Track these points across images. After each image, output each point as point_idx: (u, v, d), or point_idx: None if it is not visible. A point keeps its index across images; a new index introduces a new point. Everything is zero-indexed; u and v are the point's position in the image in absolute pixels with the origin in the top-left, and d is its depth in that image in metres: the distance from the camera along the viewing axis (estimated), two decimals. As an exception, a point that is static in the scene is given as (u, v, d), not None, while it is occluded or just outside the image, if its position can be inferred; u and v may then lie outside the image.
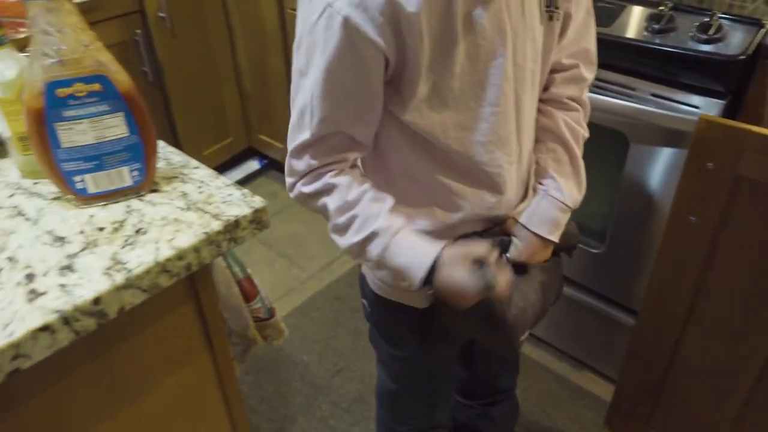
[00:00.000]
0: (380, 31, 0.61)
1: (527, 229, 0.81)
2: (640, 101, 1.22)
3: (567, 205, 0.84)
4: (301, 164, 0.71)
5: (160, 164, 0.70)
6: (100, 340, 0.60)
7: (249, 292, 0.89)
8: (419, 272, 0.71)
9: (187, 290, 0.68)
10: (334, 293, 1.93)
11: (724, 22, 1.11)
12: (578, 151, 0.88)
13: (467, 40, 0.66)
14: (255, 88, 2.33)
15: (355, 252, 0.73)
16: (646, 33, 1.17)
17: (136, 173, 0.63)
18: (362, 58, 0.63)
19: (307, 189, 0.73)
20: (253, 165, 2.54)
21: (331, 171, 0.72)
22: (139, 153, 0.63)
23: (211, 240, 0.60)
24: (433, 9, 0.62)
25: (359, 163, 0.79)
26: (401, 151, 0.74)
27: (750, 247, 1.04)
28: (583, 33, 0.84)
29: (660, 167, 1.24)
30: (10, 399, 0.56)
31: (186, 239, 0.58)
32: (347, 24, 0.61)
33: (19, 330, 0.49)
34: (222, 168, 2.49)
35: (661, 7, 1.17)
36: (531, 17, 0.72)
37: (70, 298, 0.52)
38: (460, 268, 0.70)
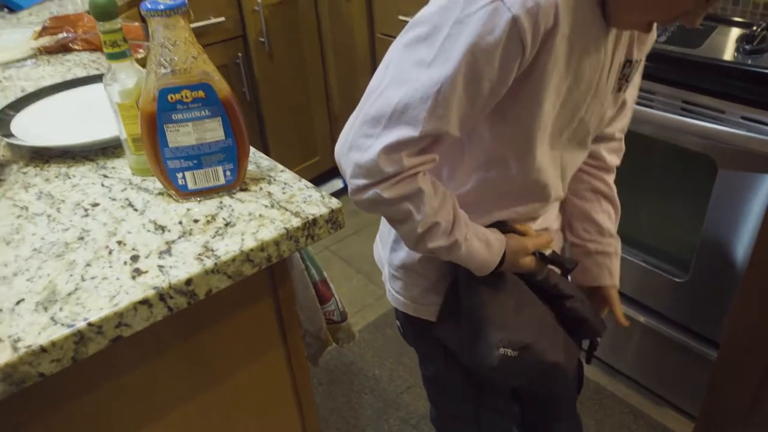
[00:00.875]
0: (533, 41, 0.63)
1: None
2: (730, 125, 1.18)
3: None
4: (392, 166, 0.67)
5: (251, 167, 0.76)
6: (189, 322, 0.67)
7: (324, 294, 0.94)
8: (495, 260, 0.79)
9: (267, 285, 0.73)
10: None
11: (823, 43, 1.07)
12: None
13: (568, 83, 0.70)
14: (343, 110, 2.43)
15: (429, 253, 0.76)
16: (737, 54, 1.14)
17: (229, 173, 0.70)
18: (512, 61, 0.63)
19: (391, 193, 0.69)
20: (337, 184, 2.64)
21: (419, 173, 0.70)
22: (233, 155, 0.70)
23: (290, 235, 0.65)
24: (566, 44, 0.67)
25: None
26: (476, 158, 0.77)
27: None
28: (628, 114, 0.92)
29: (749, 194, 1.19)
30: (112, 368, 0.63)
31: (268, 233, 0.64)
32: (515, 23, 0.61)
33: (123, 302, 0.56)
34: (308, 185, 2.60)
35: (754, 27, 1.14)
36: (609, 83, 0.77)
37: (167, 277, 0.58)
38: (520, 239, 0.81)
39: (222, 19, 2.06)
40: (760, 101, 1.14)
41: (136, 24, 1.40)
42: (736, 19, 1.21)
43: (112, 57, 0.70)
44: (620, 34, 0.74)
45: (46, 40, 1.25)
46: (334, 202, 0.70)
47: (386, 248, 0.94)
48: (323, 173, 2.61)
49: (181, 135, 0.67)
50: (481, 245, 0.77)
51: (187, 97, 0.65)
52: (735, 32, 1.17)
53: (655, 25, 0.73)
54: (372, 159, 0.66)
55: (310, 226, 0.67)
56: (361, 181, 0.69)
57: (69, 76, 1.13)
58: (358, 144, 0.68)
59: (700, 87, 1.21)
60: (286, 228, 0.65)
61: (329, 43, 2.33)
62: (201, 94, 0.65)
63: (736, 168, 1.20)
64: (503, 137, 0.74)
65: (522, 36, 0.62)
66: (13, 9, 1.62)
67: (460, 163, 0.79)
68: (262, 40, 2.17)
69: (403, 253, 0.88)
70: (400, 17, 1.93)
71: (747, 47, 1.12)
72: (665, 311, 1.46)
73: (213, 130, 0.67)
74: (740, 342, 1.16)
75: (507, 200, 0.82)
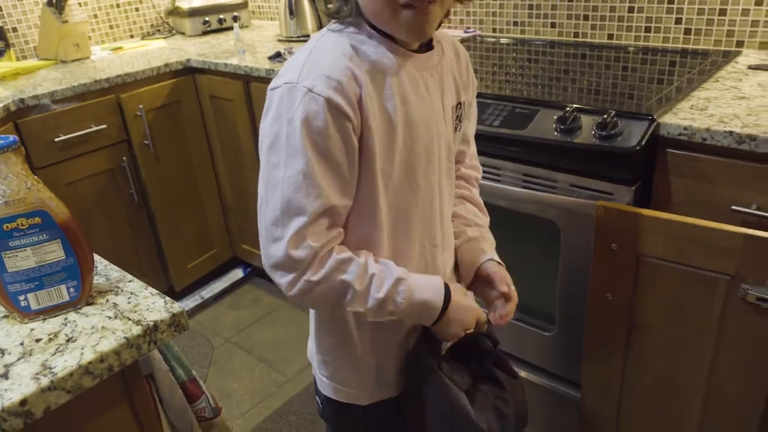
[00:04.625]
0: (351, 106, 0.76)
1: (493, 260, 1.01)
2: (563, 192, 1.34)
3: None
4: (303, 252, 0.76)
5: (100, 280, 0.80)
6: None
7: (193, 392, 0.96)
8: (440, 300, 0.86)
9: (121, 391, 0.76)
10: (311, 394, 1.97)
11: (620, 119, 1.25)
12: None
13: (403, 129, 0.83)
14: (235, 201, 2.49)
15: (378, 307, 0.83)
16: (556, 133, 1.32)
17: (72, 290, 0.74)
18: (344, 131, 0.76)
19: (317, 276, 0.78)
20: (237, 273, 2.66)
21: (332, 248, 0.80)
22: (75, 272, 0.74)
23: (131, 343, 0.69)
24: (378, 100, 0.79)
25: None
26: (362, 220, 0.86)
27: (661, 320, 1.12)
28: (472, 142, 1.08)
29: (588, 250, 1.34)
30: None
31: (108, 344, 0.68)
32: (330, 103, 0.75)
33: (-47, 430, 0.57)
34: (208, 278, 2.61)
35: (567, 109, 1.32)
36: (449, 124, 0.92)
37: (1, 401, 0.61)
38: (465, 297, 0.91)
39: (104, 126, 2.09)
40: (582, 170, 1.31)
41: None
42: (552, 100, 1.40)
43: (-50, 191, 0.74)
44: (443, 83, 0.89)
45: None
46: (176, 307, 0.74)
47: (313, 339, 1.02)
48: (222, 264, 2.63)
49: (20, 259, 0.70)
50: (424, 279, 0.86)
51: (23, 224, 0.69)
52: (551, 113, 1.35)
53: (470, 69, 0.96)
54: (284, 255, 0.77)
55: (152, 332, 0.71)
56: (287, 278, 0.79)
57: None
58: (269, 252, 0.79)
59: (534, 161, 1.37)
60: (126, 337, 0.69)
61: (216, 140, 2.41)
62: (37, 220, 0.70)
63: (573, 229, 1.35)
64: (359, 189, 0.83)
65: (340, 108, 0.75)
66: None
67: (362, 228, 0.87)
68: (146, 142, 2.22)
69: (330, 338, 0.96)
70: (278, 113, 2.05)
71: (562, 127, 1.30)
72: (541, 363, 1.57)
73: (53, 252, 0.72)
74: (595, 385, 1.28)
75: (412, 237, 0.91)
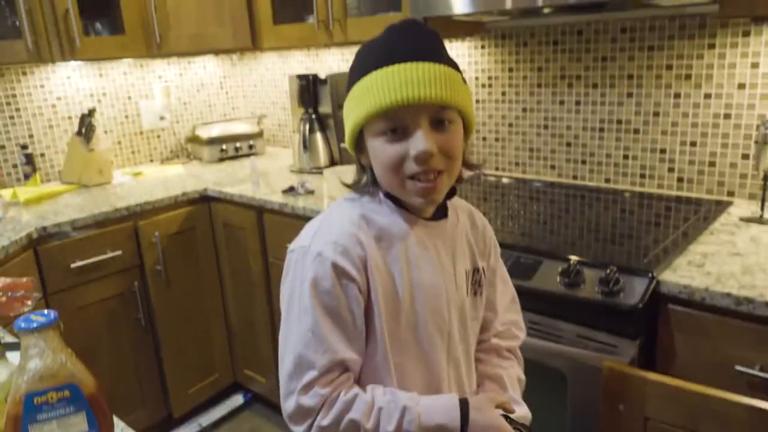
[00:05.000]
0: (357, 271, 0.82)
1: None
2: (569, 342, 1.37)
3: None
4: (313, 399, 0.82)
5: (118, 446, 0.82)
6: None
7: None
8: (456, 420, 0.84)
9: None
10: None
11: (621, 275, 1.30)
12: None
13: (408, 291, 0.87)
14: (241, 328, 2.51)
15: None
16: (561, 286, 1.37)
17: (92, 460, 0.75)
18: (349, 291, 0.83)
19: (328, 420, 0.82)
20: (237, 399, 2.62)
21: (341, 390, 0.84)
22: (97, 443, 0.75)
23: None
24: (384, 264, 0.85)
25: None
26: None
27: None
28: (511, 309, 1.09)
29: (595, 400, 1.34)
30: None
31: None
32: (336, 267, 0.82)
33: None
34: (207, 404, 2.56)
35: (571, 262, 1.38)
36: (460, 289, 0.94)
37: None
38: (492, 409, 0.87)
39: (119, 252, 2.16)
40: (587, 322, 1.34)
41: (26, 279, 1.47)
42: (556, 252, 1.46)
43: (-14, 360, 0.78)
44: (455, 249, 0.94)
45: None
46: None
47: None
48: (223, 389, 2.59)
49: (45, 432, 0.72)
50: (435, 401, 0.85)
51: (52, 398, 0.72)
52: (555, 265, 1.41)
53: (490, 236, 1.02)
54: (296, 405, 0.84)
55: None
56: (303, 426, 0.84)
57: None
58: (285, 405, 0.86)
59: (540, 310, 1.41)
60: None
61: (226, 267, 2.47)
62: (66, 393, 0.73)
63: (580, 378, 1.36)
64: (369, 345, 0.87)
65: (345, 270, 0.83)
66: None
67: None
68: (159, 268, 2.27)
69: None
70: (287, 245, 2.12)
71: (566, 280, 1.35)
72: None
73: (77, 424, 0.74)
74: None
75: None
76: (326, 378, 0.83)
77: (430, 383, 0.93)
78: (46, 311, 0.73)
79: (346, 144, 0.89)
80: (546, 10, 1.73)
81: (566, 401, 1.40)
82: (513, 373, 1.05)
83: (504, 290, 1.08)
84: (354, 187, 0.94)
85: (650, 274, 1.28)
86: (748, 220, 1.59)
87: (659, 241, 1.48)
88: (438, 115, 0.82)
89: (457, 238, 0.96)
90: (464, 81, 0.86)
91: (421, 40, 0.82)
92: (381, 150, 0.83)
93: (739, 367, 1.16)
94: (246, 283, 2.39)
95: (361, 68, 0.83)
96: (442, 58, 0.82)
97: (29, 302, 1.44)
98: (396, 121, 0.81)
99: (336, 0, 2.16)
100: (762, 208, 1.60)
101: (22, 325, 0.71)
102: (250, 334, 2.45)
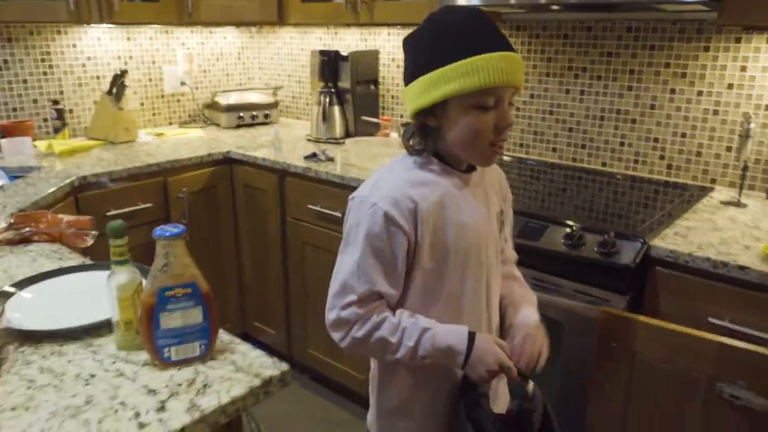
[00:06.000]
0: (406, 222, 1.01)
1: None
2: (567, 296, 1.58)
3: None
4: (350, 314, 1.02)
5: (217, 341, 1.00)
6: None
7: (262, 446, 1.13)
8: (464, 343, 1.03)
9: (224, 436, 0.94)
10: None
11: (618, 240, 1.52)
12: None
13: (455, 231, 1.06)
14: (255, 283, 2.68)
15: (411, 353, 1.03)
16: (564, 247, 1.57)
17: (203, 347, 0.94)
18: (394, 237, 1.01)
19: (361, 333, 1.03)
20: (247, 350, 2.79)
21: (374, 312, 1.03)
22: (207, 333, 0.94)
23: (253, 392, 0.89)
24: (436, 211, 1.04)
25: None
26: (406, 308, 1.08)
27: (651, 409, 1.33)
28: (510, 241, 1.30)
29: (586, 346, 1.56)
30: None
31: (237, 391, 0.87)
32: (387, 215, 1.00)
33: (135, 447, 0.76)
34: (219, 353, 2.73)
35: (573, 227, 1.58)
36: (493, 226, 1.15)
37: (165, 428, 0.79)
38: (492, 344, 1.05)
39: (149, 204, 2.33)
40: (584, 279, 1.55)
41: (87, 218, 1.63)
42: (560, 219, 1.67)
43: (118, 263, 0.95)
44: (488, 194, 1.13)
45: (9, 235, 1.45)
46: (284, 366, 0.94)
47: (374, 408, 1.20)
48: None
49: (171, 320, 0.91)
50: (449, 328, 1.04)
51: (178, 293, 0.90)
52: (560, 229, 1.61)
53: (506, 183, 1.22)
54: (336, 317, 1.04)
55: (267, 384, 0.91)
56: (339, 335, 1.05)
57: (35, 265, 1.33)
58: (328, 317, 1.06)
59: (544, 268, 1.62)
60: (250, 387, 0.89)
61: (244, 225, 2.64)
62: (189, 290, 0.91)
63: (575, 327, 1.57)
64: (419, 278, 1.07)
65: (395, 221, 1.01)
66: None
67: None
68: (184, 221, 2.44)
69: (389, 403, 1.16)
70: (309, 206, 2.30)
71: (569, 242, 1.56)
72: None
73: (194, 316, 0.92)
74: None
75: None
76: (363, 302, 1.03)
77: (472, 306, 1.12)
78: (176, 225, 0.91)
79: (414, 108, 1.04)
80: (554, 7, 1.92)
81: (561, 346, 1.61)
82: (530, 293, 1.29)
83: (509, 226, 1.30)
84: (416, 151, 1.10)
85: (642, 240, 1.49)
86: (727, 203, 1.81)
87: (649, 217, 1.70)
88: (512, 97, 1.01)
89: (487, 185, 1.16)
90: None
91: (500, 30, 1.01)
92: (475, 118, 0.99)
93: (711, 320, 1.38)
94: (263, 240, 2.57)
95: (454, 48, 0.97)
96: None
97: (89, 238, 1.61)
98: (495, 98, 0.99)
99: (365, -18, 2.32)
100: (740, 194, 1.82)
101: (159, 233, 0.89)
102: (264, 288, 2.63)
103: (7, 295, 1.13)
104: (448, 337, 1.04)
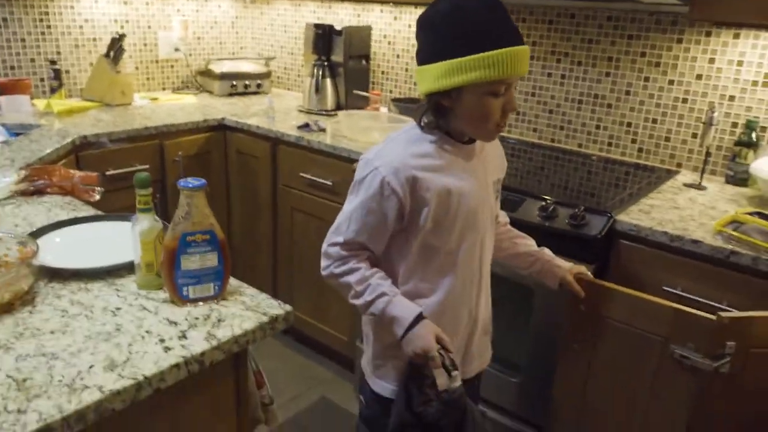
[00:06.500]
0: (402, 188, 1.13)
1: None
2: (539, 264, 1.72)
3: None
4: (335, 252, 1.19)
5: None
6: (196, 383, 0.97)
7: (259, 381, 1.26)
8: (408, 320, 1.15)
9: (232, 367, 1.06)
10: (299, 424, 2.24)
11: (587, 213, 1.66)
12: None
13: (456, 199, 1.18)
14: (243, 245, 2.79)
15: (365, 306, 1.18)
16: (538, 218, 1.72)
17: (216, 287, 1.06)
18: (386, 203, 1.14)
19: (338, 270, 1.19)
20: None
21: (354, 259, 1.19)
22: (221, 275, 1.06)
23: (261, 327, 1.01)
24: (437, 180, 1.15)
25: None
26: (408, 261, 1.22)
27: (613, 367, 1.49)
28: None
29: (555, 310, 1.71)
30: (145, 410, 0.92)
31: (248, 325, 1.00)
32: (384, 180, 1.13)
33: (164, 365, 0.88)
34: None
35: (547, 200, 1.73)
36: (490, 195, 1.28)
37: (188, 351, 0.92)
38: (431, 333, 1.14)
39: (146, 166, 2.41)
40: (555, 248, 1.69)
41: (94, 174, 1.73)
42: (536, 193, 1.81)
43: (143, 211, 1.07)
44: (487, 164, 1.25)
45: (24, 186, 1.54)
46: (287, 307, 1.07)
47: (370, 348, 1.33)
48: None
49: (191, 262, 1.03)
50: (405, 303, 1.17)
51: (198, 238, 1.02)
52: (535, 203, 1.76)
53: (503, 153, 1.33)
54: (325, 250, 1.21)
55: (273, 321, 1.04)
56: (324, 263, 1.22)
57: (51, 215, 1.43)
58: (323, 246, 1.23)
59: (519, 237, 1.76)
60: (259, 322, 1.01)
61: (236, 190, 2.74)
62: (207, 237, 1.03)
63: (545, 293, 1.72)
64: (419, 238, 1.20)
65: (393, 187, 1.13)
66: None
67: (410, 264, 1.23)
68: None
69: (380, 344, 1.29)
70: (301, 174, 2.41)
71: (543, 214, 1.70)
72: (507, 405, 1.90)
73: (211, 259, 1.04)
74: (559, 426, 1.61)
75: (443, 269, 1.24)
76: (347, 246, 1.19)
77: (468, 263, 1.25)
78: (197, 179, 1.02)
79: (431, 89, 1.13)
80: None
81: (531, 310, 1.76)
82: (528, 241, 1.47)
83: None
84: (428, 128, 1.20)
85: (609, 214, 1.64)
86: (690, 185, 1.97)
87: (617, 195, 1.85)
88: (516, 83, 1.14)
89: (486, 156, 1.28)
90: None
91: (512, 20, 1.12)
92: (488, 103, 1.10)
93: (665, 287, 1.54)
94: (253, 205, 2.68)
95: (475, 39, 1.06)
96: None
97: (95, 194, 1.71)
98: (506, 86, 1.11)
99: (362, -40, 2.41)
100: (701, 178, 1.98)
101: (183, 184, 1.00)
102: (252, 250, 2.75)
103: (37, 236, 1.23)
104: (398, 310, 1.16)
